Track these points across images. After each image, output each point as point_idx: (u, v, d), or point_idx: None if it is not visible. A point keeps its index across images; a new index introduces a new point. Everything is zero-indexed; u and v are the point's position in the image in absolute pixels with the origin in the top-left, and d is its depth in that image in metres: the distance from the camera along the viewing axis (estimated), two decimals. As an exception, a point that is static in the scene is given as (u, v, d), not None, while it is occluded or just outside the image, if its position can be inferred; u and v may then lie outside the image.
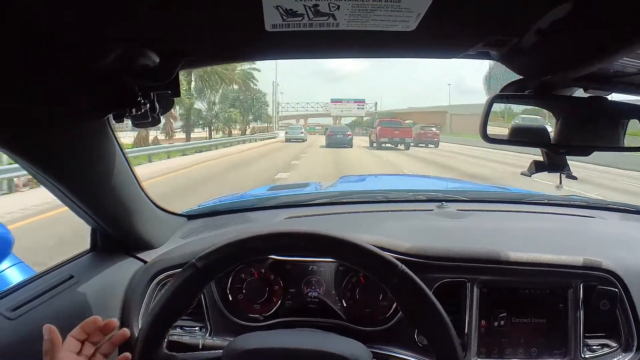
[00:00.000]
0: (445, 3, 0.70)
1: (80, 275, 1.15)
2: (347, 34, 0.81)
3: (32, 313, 0.98)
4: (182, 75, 0.73)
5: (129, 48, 0.82)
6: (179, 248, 1.36)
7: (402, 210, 1.70)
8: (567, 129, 0.99)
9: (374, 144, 27.52)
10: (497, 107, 0.96)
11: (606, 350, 1.16)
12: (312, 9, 0.70)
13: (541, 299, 1.18)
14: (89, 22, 0.73)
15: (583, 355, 1.15)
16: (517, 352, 1.16)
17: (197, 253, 0.86)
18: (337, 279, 1.24)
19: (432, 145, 29.47)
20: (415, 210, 1.68)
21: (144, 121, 0.94)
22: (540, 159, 1.06)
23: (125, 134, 20.52)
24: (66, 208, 1.13)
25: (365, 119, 70.80)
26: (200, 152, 21.42)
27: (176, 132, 29.86)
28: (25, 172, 0.96)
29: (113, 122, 1.01)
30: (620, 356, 1.15)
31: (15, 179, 9.07)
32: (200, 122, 36.05)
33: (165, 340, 0.89)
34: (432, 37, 0.88)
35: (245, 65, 35.27)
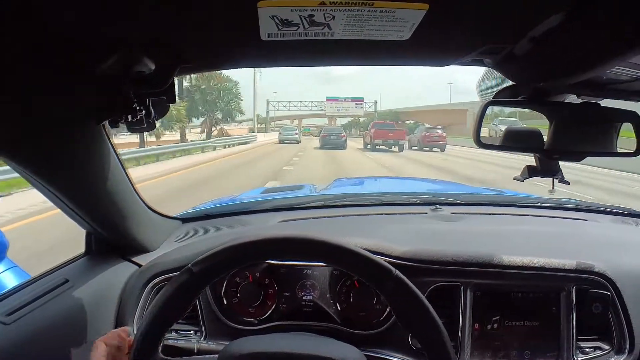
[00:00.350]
0: (439, 13, 0.70)
1: (75, 280, 1.15)
2: (342, 42, 0.82)
3: (27, 318, 0.98)
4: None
5: (125, 54, 0.82)
6: (174, 252, 1.36)
7: (396, 214, 1.70)
8: (560, 135, 1.00)
9: (368, 146, 27.44)
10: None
11: (599, 352, 1.17)
12: (308, 19, 0.71)
13: (534, 302, 1.18)
14: (86, 27, 0.73)
15: (576, 358, 1.15)
16: (510, 355, 1.17)
17: (192, 257, 0.86)
18: (332, 283, 1.24)
19: (438, 150, 26.30)
20: (409, 214, 1.69)
21: (139, 127, 0.94)
22: (533, 163, 1.07)
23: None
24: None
25: (362, 119, 66.11)
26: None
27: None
28: (17, 174, 0.95)
29: (108, 126, 1.01)
30: (613, 359, 1.16)
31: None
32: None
33: (161, 344, 0.88)
34: (426, 46, 0.89)
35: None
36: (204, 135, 33.31)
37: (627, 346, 1.16)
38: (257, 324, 1.23)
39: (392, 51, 0.90)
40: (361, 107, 60.19)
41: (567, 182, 1.08)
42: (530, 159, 1.09)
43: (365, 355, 0.94)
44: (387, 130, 27.08)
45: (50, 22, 0.70)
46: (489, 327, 1.18)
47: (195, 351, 1.16)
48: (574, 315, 1.17)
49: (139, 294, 1.24)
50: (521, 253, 1.22)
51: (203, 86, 33.95)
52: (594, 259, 1.21)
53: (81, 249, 1.30)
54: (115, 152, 1.11)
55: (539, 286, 1.19)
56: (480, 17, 0.75)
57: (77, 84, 0.85)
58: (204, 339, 1.22)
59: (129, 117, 0.91)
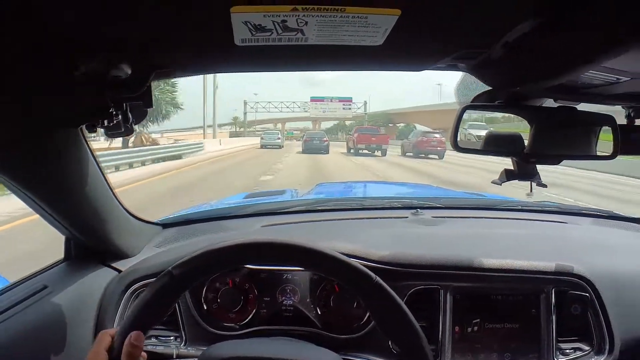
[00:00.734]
0: (411, 19, 0.71)
1: (54, 285, 1.13)
2: (316, 48, 0.82)
3: (5, 324, 0.96)
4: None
5: (101, 59, 0.81)
6: (154, 257, 1.35)
7: (377, 218, 1.71)
8: (537, 138, 1.01)
9: (352, 150, 27.61)
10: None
11: (579, 353, 1.19)
12: (281, 25, 0.71)
13: (514, 305, 1.19)
14: (62, 33, 0.72)
15: (556, 359, 1.17)
16: (491, 358, 1.18)
17: (172, 262, 0.86)
18: (312, 287, 1.24)
19: (436, 156, 23.44)
20: (390, 218, 1.69)
21: (116, 131, 0.94)
22: (511, 167, 1.08)
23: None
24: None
25: (349, 122, 61.47)
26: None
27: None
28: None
29: (86, 131, 1.00)
30: (593, 359, 1.18)
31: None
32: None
33: None
34: (400, 52, 0.90)
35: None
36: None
37: (607, 347, 1.17)
38: (237, 329, 1.22)
39: (367, 56, 0.90)
40: (349, 108, 55.38)
41: (545, 186, 1.09)
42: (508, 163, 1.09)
43: (345, 359, 0.94)
44: (370, 134, 27.35)
45: (24, 26, 0.69)
46: (469, 330, 1.18)
47: (175, 357, 1.15)
48: (554, 316, 1.18)
49: (119, 300, 1.22)
50: (501, 256, 1.23)
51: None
52: (573, 261, 1.23)
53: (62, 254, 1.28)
54: (94, 157, 1.10)
55: (518, 288, 1.20)
56: (453, 23, 0.76)
57: (52, 89, 0.84)
58: (184, 345, 1.21)
59: (106, 122, 0.90)
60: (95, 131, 0.94)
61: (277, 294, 1.25)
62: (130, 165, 15.91)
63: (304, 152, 26.73)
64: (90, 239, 1.24)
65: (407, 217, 1.63)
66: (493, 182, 1.11)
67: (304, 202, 2.09)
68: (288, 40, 0.77)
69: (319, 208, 1.85)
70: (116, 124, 0.92)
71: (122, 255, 1.35)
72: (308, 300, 1.24)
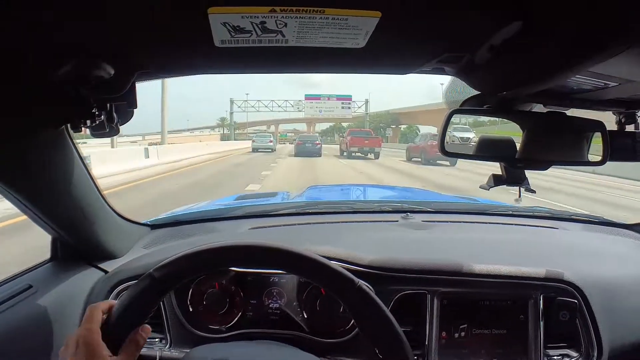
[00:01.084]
0: (392, 21, 0.70)
1: (39, 285, 1.13)
2: (297, 50, 0.81)
3: None
4: None
5: (83, 60, 0.81)
6: (141, 258, 1.34)
7: (367, 221, 1.70)
8: (526, 143, 1.01)
9: (345, 153, 27.75)
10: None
11: None
12: (260, 26, 0.71)
13: (502, 310, 1.19)
14: (42, 33, 0.71)
15: None
16: None
17: (159, 263, 0.85)
18: (299, 291, 1.23)
19: (447, 163, 20.25)
20: (380, 221, 1.69)
21: (101, 131, 0.93)
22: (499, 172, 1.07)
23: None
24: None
25: (346, 124, 55.63)
26: None
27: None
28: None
29: (72, 131, 1.00)
30: None
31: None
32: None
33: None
34: (383, 54, 0.89)
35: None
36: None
37: (595, 353, 1.17)
38: (223, 332, 1.21)
39: (349, 59, 0.90)
40: (349, 108, 50.07)
41: (533, 191, 1.08)
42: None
43: None
44: (363, 137, 27.56)
45: (6, 29, 0.68)
46: (457, 335, 1.18)
47: (158, 359, 1.14)
48: (542, 323, 1.17)
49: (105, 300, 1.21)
50: (489, 261, 1.23)
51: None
52: (562, 267, 1.23)
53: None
54: (80, 157, 1.10)
55: (507, 294, 1.20)
56: (435, 26, 0.75)
57: (34, 88, 0.84)
58: (169, 347, 1.20)
59: (89, 122, 0.90)
60: (80, 130, 0.94)
61: (263, 297, 1.24)
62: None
63: (296, 155, 26.77)
64: (76, 239, 1.24)
65: (397, 221, 1.63)
66: (481, 187, 1.11)
67: (294, 205, 2.09)
68: (268, 42, 0.77)
69: (309, 211, 1.84)
70: (100, 123, 0.92)
71: (109, 256, 1.34)
72: (294, 303, 1.23)
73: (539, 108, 1.02)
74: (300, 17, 0.68)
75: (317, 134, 41.64)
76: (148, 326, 0.83)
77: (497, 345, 1.18)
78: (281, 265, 0.88)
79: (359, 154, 26.46)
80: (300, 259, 0.83)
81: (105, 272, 1.29)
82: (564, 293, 1.19)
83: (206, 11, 0.65)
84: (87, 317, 0.79)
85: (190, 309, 1.23)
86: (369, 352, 1.15)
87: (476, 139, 1.08)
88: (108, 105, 0.94)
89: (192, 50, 0.85)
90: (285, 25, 0.70)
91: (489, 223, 1.73)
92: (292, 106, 54.96)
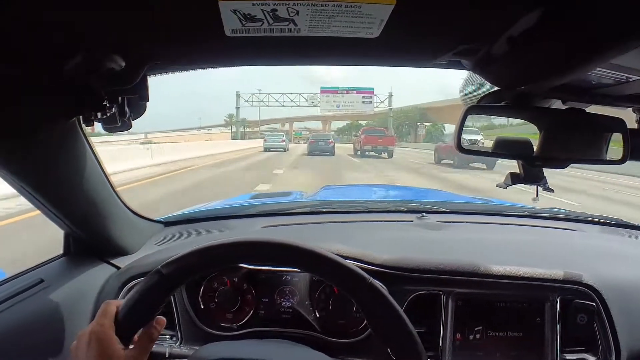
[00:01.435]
0: (407, 9, 0.69)
1: (51, 280, 1.13)
2: (309, 39, 0.80)
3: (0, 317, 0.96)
4: None
5: (94, 51, 0.80)
6: (153, 255, 1.34)
7: (381, 221, 1.69)
8: (544, 141, 0.99)
9: (358, 152, 27.69)
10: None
11: None
12: (271, 14, 0.69)
13: (518, 313, 1.17)
14: (53, 24, 0.71)
15: None
16: None
17: None
18: (311, 289, 1.22)
19: (483, 166, 16.45)
20: (395, 221, 1.68)
21: (113, 125, 0.93)
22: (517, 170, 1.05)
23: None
24: None
25: (364, 122, 48.31)
26: None
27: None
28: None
29: (84, 125, 1.00)
30: None
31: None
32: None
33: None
34: (398, 45, 0.87)
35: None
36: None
37: (613, 358, 1.14)
38: (235, 330, 1.21)
39: (363, 49, 0.88)
40: (370, 102, 44.20)
41: (552, 190, 1.06)
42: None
43: None
44: (377, 136, 27.47)
45: (16, 19, 0.68)
46: (471, 337, 1.16)
47: (167, 355, 1.14)
48: (559, 326, 1.15)
49: (116, 297, 1.22)
50: (505, 262, 1.20)
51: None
52: (580, 269, 1.20)
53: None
54: (93, 151, 1.10)
55: (522, 296, 1.17)
56: (452, 15, 0.73)
57: (45, 81, 0.84)
58: (180, 344, 1.20)
59: (99, 114, 0.89)
60: (92, 124, 0.94)
61: (275, 295, 1.23)
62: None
63: (309, 153, 26.68)
64: (89, 234, 1.24)
65: (412, 221, 1.61)
66: (498, 186, 1.09)
67: (307, 204, 2.08)
68: (280, 31, 0.75)
69: (323, 210, 1.84)
70: (112, 116, 0.91)
71: (121, 252, 1.35)
72: (307, 302, 1.22)
73: (557, 105, 1.00)
74: (312, 4, 0.67)
75: (332, 132, 40.86)
76: (163, 318, 0.82)
77: (512, 348, 1.15)
78: (291, 262, 0.87)
79: (373, 153, 26.37)
80: (311, 255, 0.81)
81: (118, 268, 1.30)
82: (582, 296, 1.16)
83: None
84: (101, 313, 0.79)
85: (202, 306, 1.23)
86: (382, 353, 1.15)
87: (483, 141, 1.06)
88: (120, 98, 0.93)
89: (202, 40, 0.84)
90: (297, 13, 0.69)
91: (505, 224, 1.71)
92: (306, 100, 48.13)
